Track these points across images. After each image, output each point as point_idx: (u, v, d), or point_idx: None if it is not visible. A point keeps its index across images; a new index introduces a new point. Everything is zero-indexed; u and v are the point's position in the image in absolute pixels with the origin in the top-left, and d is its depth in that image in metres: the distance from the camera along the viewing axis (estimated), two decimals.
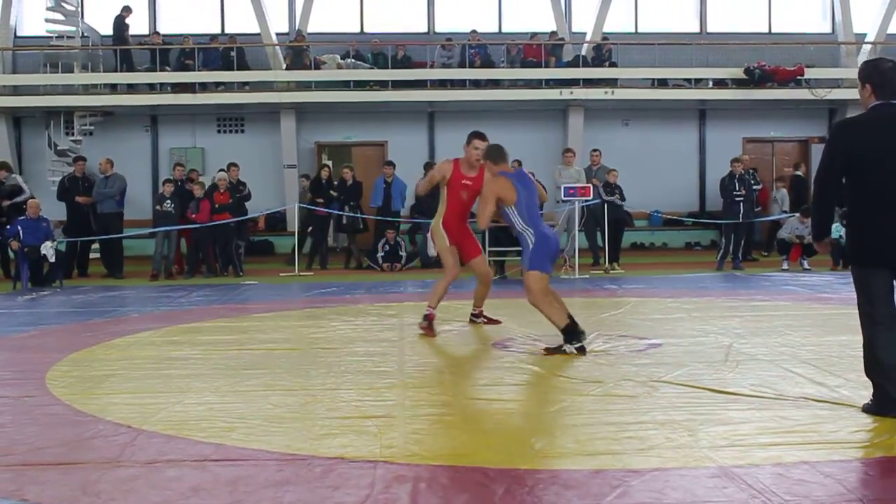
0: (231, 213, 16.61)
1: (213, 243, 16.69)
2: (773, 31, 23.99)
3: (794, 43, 22.77)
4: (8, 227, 15.22)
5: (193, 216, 16.32)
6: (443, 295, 9.14)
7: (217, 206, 16.54)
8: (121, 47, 21.48)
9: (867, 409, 5.48)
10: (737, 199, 16.77)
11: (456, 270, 9.14)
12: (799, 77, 21.90)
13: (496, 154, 8.43)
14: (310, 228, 18.08)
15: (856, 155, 5.43)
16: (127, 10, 21.74)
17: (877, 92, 5.47)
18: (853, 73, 20.97)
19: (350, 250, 18.38)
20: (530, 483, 4.22)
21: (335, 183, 18.35)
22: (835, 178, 5.52)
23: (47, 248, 14.80)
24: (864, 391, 5.65)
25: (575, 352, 7.66)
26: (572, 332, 7.77)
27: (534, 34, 22.48)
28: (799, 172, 21.05)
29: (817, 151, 23.19)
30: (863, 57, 22.69)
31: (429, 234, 9.60)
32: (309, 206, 18.02)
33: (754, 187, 18.29)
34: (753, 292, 12.66)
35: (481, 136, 9.26)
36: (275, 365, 7.31)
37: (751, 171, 18.55)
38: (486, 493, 4.07)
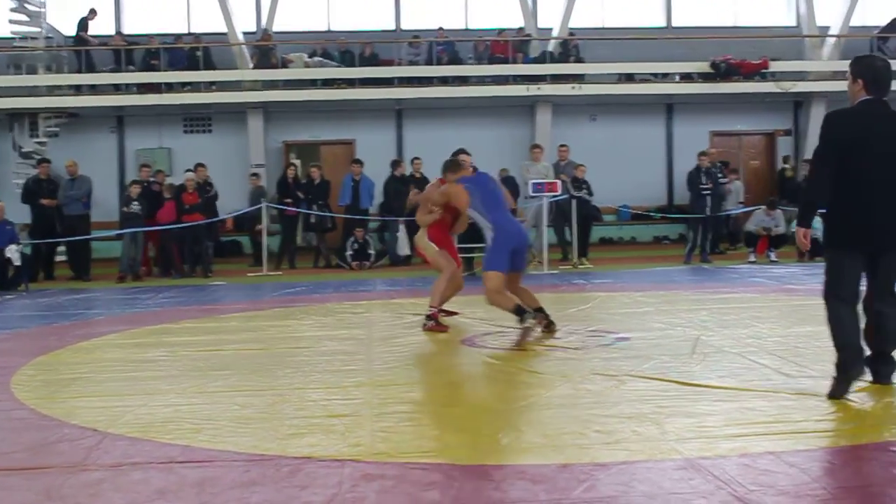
0: (200, 213, 16.53)
1: (181, 244, 16.60)
2: (739, 24, 24.12)
3: (759, 36, 22.91)
4: None
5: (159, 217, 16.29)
6: (447, 294, 9.29)
7: (186, 206, 16.45)
8: (84, 48, 21.31)
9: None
10: (704, 192, 16.82)
11: (452, 267, 9.32)
12: (764, 70, 22.03)
13: (450, 166, 9.08)
14: (257, 227, 17.90)
15: (845, 141, 5.64)
16: (93, 13, 21.59)
17: (868, 88, 5.72)
18: (817, 66, 21.14)
19: (319, 249, 18.34)
20: (498, 478, 4.23)
21: (303, 182, 18.31)
22: (829, 168, 5.69)
23: (12, 252, 14.67)
24: (828, 381, 5.69)
25: (535, 322, 7.98)
26: (522, 310, 7.99)
27: (501, 30, 22.50)
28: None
29: (783, 144, 23.42)
30: (827, 49, 22.88)
31: (416, 243, 9.74)
32: (277, 206, 17.94)
33: (721, 181, 18.41)
34: (721, 285, 12.74)
35: (465, 151, 9.82)
36: (242, 365, 7.29)
37: (718, 164, 18.66)
38: (454, 490, 4.08)
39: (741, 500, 3.84)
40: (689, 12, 23.98)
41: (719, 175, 18.20)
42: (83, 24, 21.44)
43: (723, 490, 3.96)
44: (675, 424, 5.08)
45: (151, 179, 17.46)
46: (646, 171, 22.27)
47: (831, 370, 5.63)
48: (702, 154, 17.33)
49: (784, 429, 4.97)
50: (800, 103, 23.27)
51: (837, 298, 5.79)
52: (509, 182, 18.90)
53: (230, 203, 19.48)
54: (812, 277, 13.17)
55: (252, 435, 5.12)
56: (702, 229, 16.79)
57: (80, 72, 21.27)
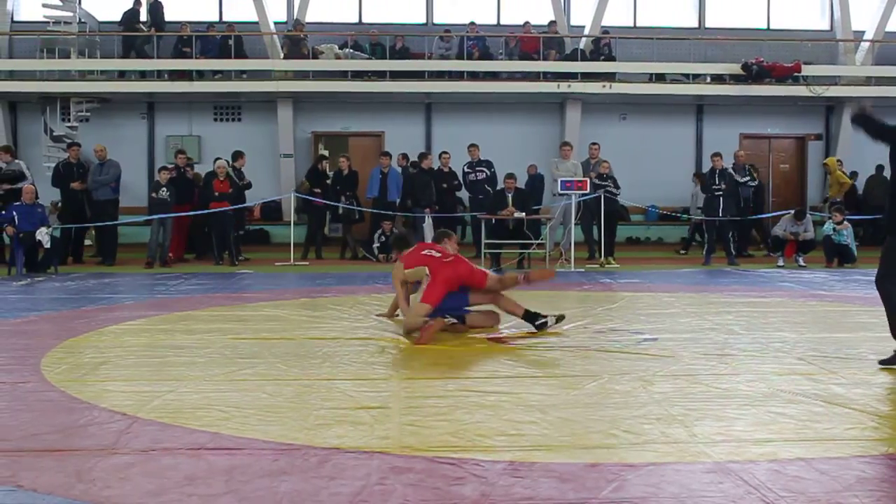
0: (230, 201, 16.60)
1: (209, 231, 16.70)
2: (772, 27, 23.97)
3: (792, 39, 22.77)
4: (3, 212, 15.17)
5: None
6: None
7: (216, 194, 16.52)
8: (126, 34, 21.52)
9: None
10: (716, 193, 16.73)
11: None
12: (796, 74, 21.89)
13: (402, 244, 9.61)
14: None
15: None
16: (138, 3, 21.81)
17: None
18: (851, 71, 21.04)
19: (346, 240, 18.37)
20: (526, 476, 4.22)
21: (331, 173, 18.35)
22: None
23: (42, 234, 14.75)
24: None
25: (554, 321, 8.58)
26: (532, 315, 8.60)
27: (527, 23, 22.43)
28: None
29: (814, 148, 23.26)
30: (861, 55, 22.71)
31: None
32: (305, 196, 17.98)
33: (750, 183, 18.30)
34: (748, 288, 12.67)
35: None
36: (270, 354, 7.31)
37: (747, 166, 18.56)
38: (482, 486, 4.07)
39: None
40: (722, 14, 23.87)
41: (747, 177, 18.10)
42: (135, 15, 21.70)
43: (753, 495, 3.94)
44: (703, 427, 5.06)
45: (185, 167, 17.51)
46: (674, 171, 22.17)
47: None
48: (715, 155, 17.21)
49: (814, 435, 4.94)
50: (832, 108, 23.14)
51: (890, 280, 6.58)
52: (536, 180, 18.90)
53: (258, 192, 19.57)
54: (841, 284, 13.12)
55: (280, 424, 5.14)
56: (716, 231, 16.72)
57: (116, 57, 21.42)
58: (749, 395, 5.86)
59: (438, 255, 8.86)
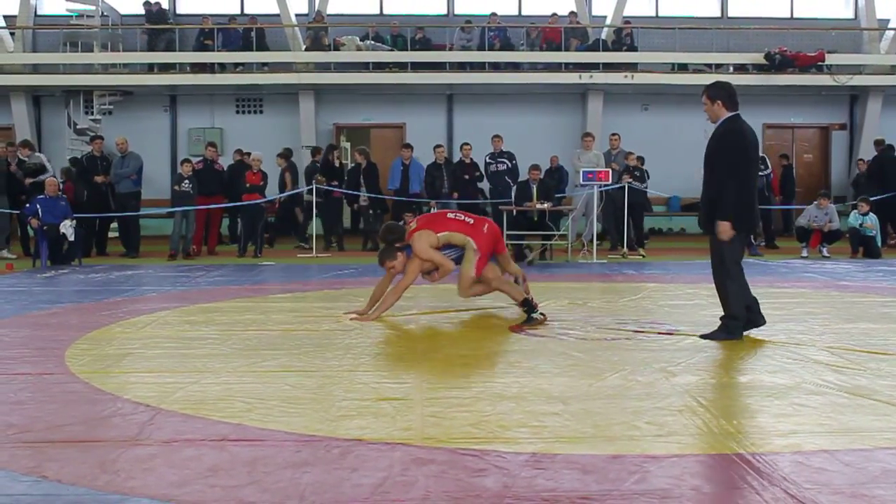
0: (261, 194, 16.70)
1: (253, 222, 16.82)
2: (795, 16, 23.82)
3: (815, 28, 22.63)
4: (27, 205, 15.27)
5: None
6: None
7: (248, 185, 16.59)
8: (149, 27, 21.61)
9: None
10: None
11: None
12: (820, 63, 21.74)
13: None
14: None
15: None
16: (152, 5, 21.96)
17: None
18: (875, 60, 20.97)
19: (366, 232, 18.39)
20: (548, 467, 4.21)
21: (346, 165, 18.38)
22: None
23: (66, 227, 14.84)
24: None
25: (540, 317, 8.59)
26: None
27: (554, 14, 22.40)
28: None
29: (838, 138, 23.09)
30: (885, 43, 22.53)
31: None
32: (323, 188, 17.96)
33: (763, 172, 18.13)
34: (772, 279, 12.59)
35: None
36: (292, 346, 7.32)
37: (762, 156, 18.40)
38: (505, 477, 4.07)
39: (795, 497, 3.80)
40: (744, 3, 23.75)
41: (762, 167, 17.95)
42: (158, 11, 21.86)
43: (776, 487, 3.91)
44: (726, 419, 5.03)
45: (210, 159, 17.57)
46: (697, 162, 21.82)
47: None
48: None
49: (838, 427, 4.91)
50: (856, 97, 22.97)
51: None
52: (555, 173, 18.76)
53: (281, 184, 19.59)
54: (865, 274, 13.04)
55: (303, 416, 5.15)
56: None
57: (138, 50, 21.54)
58: (772, 387, 5.83)
59: (471, 221, 8.95)
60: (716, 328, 7.66)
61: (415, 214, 17.61)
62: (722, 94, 7.54)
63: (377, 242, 17.85)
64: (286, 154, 18.64)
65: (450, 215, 9.13)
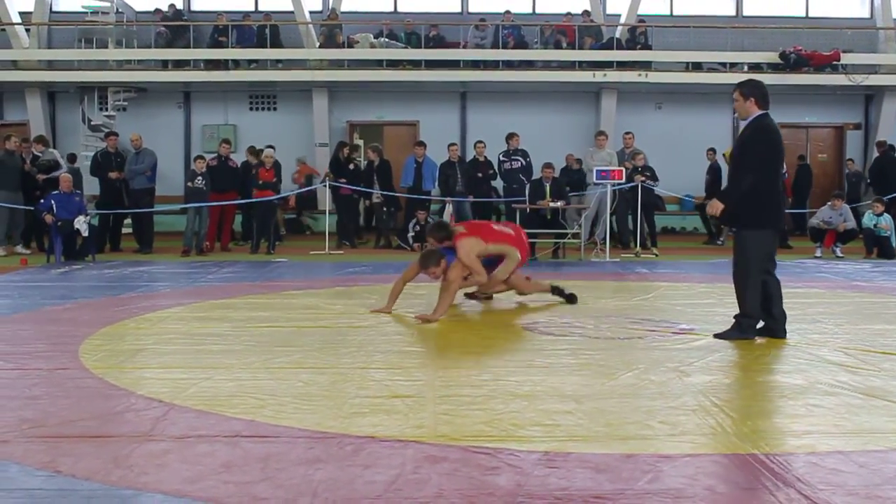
0: (274, 191, 16.73)
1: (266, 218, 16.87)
2: (811, 15, 23.73)
3: (831, 28, 22.53)
4: (41, 201, 15.32)
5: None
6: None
7: (261, 182, 16.61)
8: (160, 23, 21.68)
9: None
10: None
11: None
12: (835, 62, 21.65)
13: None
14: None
15: None
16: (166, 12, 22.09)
17: None
18: (891, 60, 20.76)
19: (379, 230, 18.39)
20: (561, 466, 4.21)
21: (360, 162, 18.38)
22: None
23: (80, 223, 14.88)
24: None
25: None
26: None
27: (568, 13, 22.37)
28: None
29: (852, 138, 23.00)
30: None
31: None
32: (335, 185, 17.94)
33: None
34: (786, 279, 12.46)
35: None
36: (305, 343, 7.33)
37: None
38: (517, 476, 4.06)
39: (809, 498, 3.78)
40: (759, 2, 23.67)
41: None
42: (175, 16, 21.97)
43: (791, 488, 3.90)
44: (740, 419, 5.01)
45: (224, 156, 17.58)
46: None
47: None
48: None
49: (852, 428, 4.89)
50: (871, 97, 22.87)
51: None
52: (574, 173, 18.67)
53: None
54: (880, 275, 12.98)
55: (315, 412, 5.15)
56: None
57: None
58: (786, 387, 5.81)
59: (513, 232, 9.52)
60: (729, 327, 7.62)
61: (428, 212, 17.65)
62: (756, 91, 7.55)
63: (389, 240, 17.95)
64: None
65: (496, 227, 9.59)
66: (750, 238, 7.48)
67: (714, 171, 18.19)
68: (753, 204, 7.41)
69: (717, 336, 7.56)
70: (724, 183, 16.74)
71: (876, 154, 19.86)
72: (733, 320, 7.63)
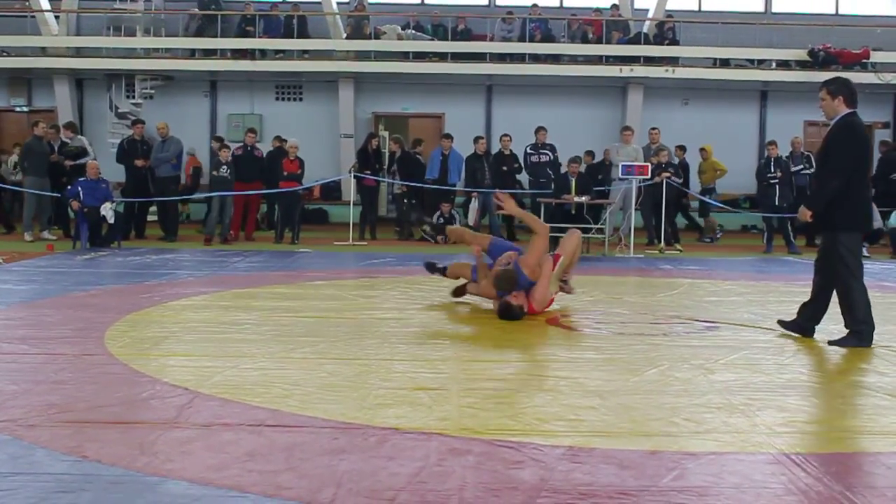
0: (298, 182, 16.76)
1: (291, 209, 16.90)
2: (840, 12, 23.55)
3: (860, 25, 22.35)
4: (68, 187, 15.41)
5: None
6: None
7: (285, 173, 16.63)
8: (188, 11, 21.74)
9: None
10: (771, 181, 16.48)
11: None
12: (864, 60, 21.47)
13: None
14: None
15: None
16: None
17: None
18: None
19: (400, 221, 18.38)
20: (585, 461, 4.20)
21: (386, 154, 18.38)
22: None
23: (106, 210, 14.95)
24: None
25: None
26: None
27: (597, 10, 22.30)
28: None
29: (881, 136, 22.80)
30: None
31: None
32: (359, 175, 17.92)
33: (804, 171, 17.88)
34: (811, 277, 12.44)
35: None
36: (329, 333, 7.34)
37: (806, 154, 18.18)
38: (541, 471, 4.06)
39: (835, 499, 3.76)
40: None
41: (800, 166, 17.72)
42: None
43: (817, 487, 3.88)
44: (766, 417, 4.99)
45: (250, 145, 17.60)
46: (736, 158, 21.79)
47: None
48: (770, 143, 17.00)
49: (879, 429, 4.86)
50: None
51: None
52: (603, 169, 18.56)
53: (319, 172, 19.70)
54: None
55: (340, 403, 5.16)
56: (777, 219, 16.51)
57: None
58: (812, 386, 5.78)
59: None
60: (845, 335, 7.26)
61: (452, 205, 17.64)
62: (844, 90, 7.28)
63: (411, 231, 17.94)
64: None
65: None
66: (843, 242, 7.23)
67: (780, 164, 17.37)
68: (845, 206, 7.19)
69: (832, 343, 7.23)
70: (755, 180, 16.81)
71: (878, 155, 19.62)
72: (846, 331, 7.28)
